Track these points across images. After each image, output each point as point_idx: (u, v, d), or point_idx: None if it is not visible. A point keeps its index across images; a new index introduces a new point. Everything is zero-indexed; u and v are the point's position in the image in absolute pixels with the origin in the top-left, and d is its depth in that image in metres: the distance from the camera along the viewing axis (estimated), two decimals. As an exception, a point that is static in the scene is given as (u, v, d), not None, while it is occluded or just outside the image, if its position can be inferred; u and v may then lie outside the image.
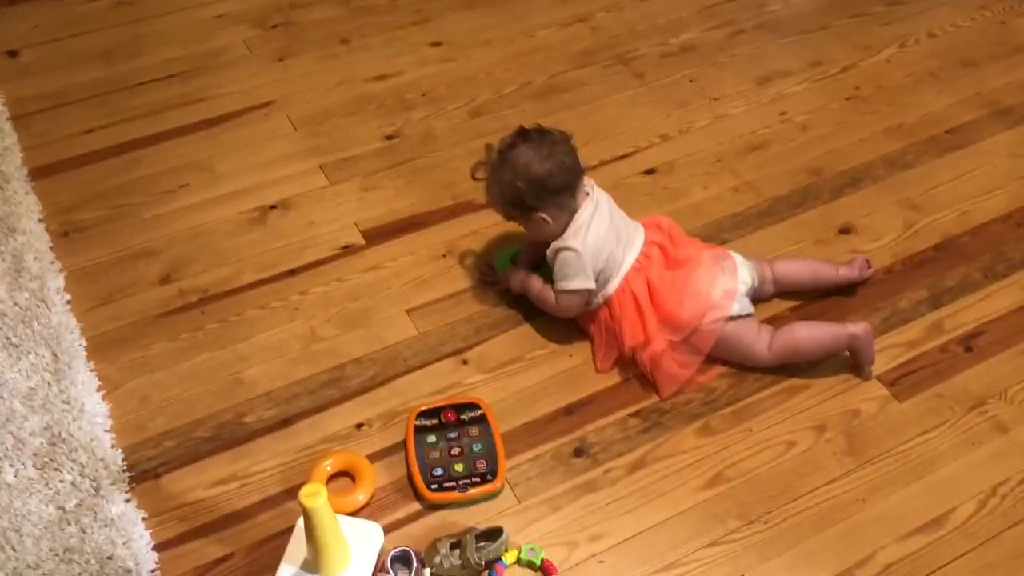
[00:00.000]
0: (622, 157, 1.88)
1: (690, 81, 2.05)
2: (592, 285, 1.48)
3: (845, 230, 1.75)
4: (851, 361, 1.52)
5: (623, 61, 2.09)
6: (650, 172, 1.85)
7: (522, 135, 1.49)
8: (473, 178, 1.53)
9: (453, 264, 1.67)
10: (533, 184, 1.45)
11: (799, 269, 1.61)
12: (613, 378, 1.50)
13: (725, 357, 1.51)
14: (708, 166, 1.86)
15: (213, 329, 1.56)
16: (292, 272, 1.65)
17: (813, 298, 1.62)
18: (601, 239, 1.48)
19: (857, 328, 1.47)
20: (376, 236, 1.72)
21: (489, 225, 1.73)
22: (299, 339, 1.55)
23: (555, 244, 1.49)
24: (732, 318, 1.47)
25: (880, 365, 1.53)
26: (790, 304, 1.61)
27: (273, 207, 1.76)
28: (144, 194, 1.77)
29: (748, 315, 1.50)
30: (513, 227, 1.69)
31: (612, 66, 2.08)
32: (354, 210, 1.76)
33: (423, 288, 1.64)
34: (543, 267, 1.56)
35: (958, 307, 1.62)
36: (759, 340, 1.49)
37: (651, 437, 1.44)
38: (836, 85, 2.06)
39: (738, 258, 1.55)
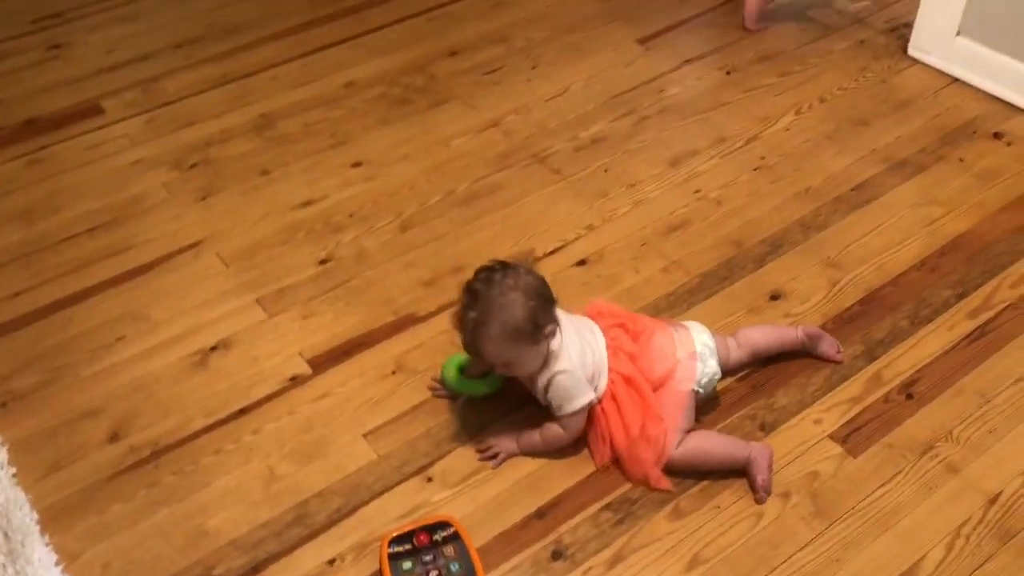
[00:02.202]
0: (553, 252, 1.93)
1: (605, 171, 2.13)
2: (594, 395, 1.48)
3: (775, 296, 1.81)
4: (802, 423, 1.57)
5: (539, 159, 2.16)
6: (582, 263, 1.90)
7: (489, 269, 1.45)
8: (460, 327, 1.44)
9: (403, 381, 1.68)
10: (541, 297, 1.43)
11: (757, 329, 1.67)
12: (578, 474, 1.52)
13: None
14: (635, 250, 1.92)
15: (169, 482, 1.53)
16: (242, 411, 1.63)
17: (756, 366, 1.67)
18: (579, 347, 1.48)
19: (753, 450, 1.48)
20: (322, 363, 1.72)
21: (434, 335, 1.75)
22: (258, 480, 1.53)
23: (544, 375, 1.46)
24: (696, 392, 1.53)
25: (829, 423, 1.59)
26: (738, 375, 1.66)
27: (214, 348, 1.75)
28: (80, 352, 1.74)
29: (713, 387, 1.57)
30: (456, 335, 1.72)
31: (529, 165, 2.15)
32: (297, 340, 1.76)
33: (377, 409, 1.63)
34: (490, 375, 1.58)
35: (892, 357, 1.69)
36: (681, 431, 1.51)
37: (625, 528, 1.45)
38: (743, 158, 2.16)
39: (694, 324, 1.61)
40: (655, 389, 1.52)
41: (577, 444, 1.54)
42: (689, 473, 1.50)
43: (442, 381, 1.64)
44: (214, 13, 2.68)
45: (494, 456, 1.53)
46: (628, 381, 1.50)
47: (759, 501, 1.47)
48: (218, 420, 1.62)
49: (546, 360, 1.46)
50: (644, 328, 1.56)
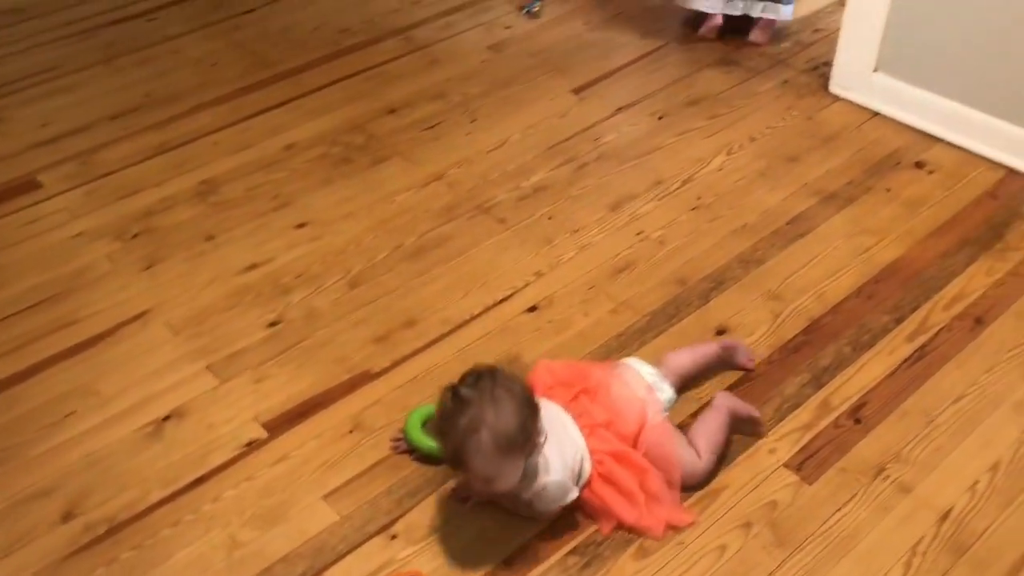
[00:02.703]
0: (503, 300, 1.95)
1: (549, 218, 2.17)
2: (577, 491, 1.47)
3: (721, 331, 1.86)
4: (757, 454, 1.61)
5: (484, 210, 2.20)
6: (532, 309, 1.93)
7: (476, 374, 1.39)
8: (443, 435, 1.39)
9: (362, 439, 1.67)
10: (531, 405, 1.39)
11: (681, 353, 1.72)
12: (543, 524, 1.52)
13: (667, 476, 1.53)
14: (584, 294, 1.96)
15: (128, 558, 1.50)
16: (200, 480, 1.61)
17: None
18: (559, 450, 1.44)
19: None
20: (278, 426, 1.71)
21: (390, 391, 1.76)
22: (220, 549, 1.51)
23: (529, 490, 1.43)
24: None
25: (783, 452, 1.62)
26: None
27: (167, 418, 1.72)
28: (29, 431, 1.71)
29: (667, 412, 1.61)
30: (415, 391, 1.73)
31: (475, 216, 2.18)
32: (251, 404, 1.75)
33: (336, 470, 1.63)
34: None
35: (839, 383, 1.74)
36: (688, 447, 1.55)
37: (592, 571, 1.46)
38: (680, 198, 2.22)
39: (631, 360, 1.66)
40: (636, 435, 1.53)
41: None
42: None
43: (404, 435, 1.64)
44: (151, 82, 2.68)
45: (408, 451, 1.58)
46: (617, 458, 1.49)
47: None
48: (175, 491, 1.60)
49: (527, 473, 1.41)
50: (598, 382, 1.58)
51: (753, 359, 1.76)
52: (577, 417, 1.52)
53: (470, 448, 1.34)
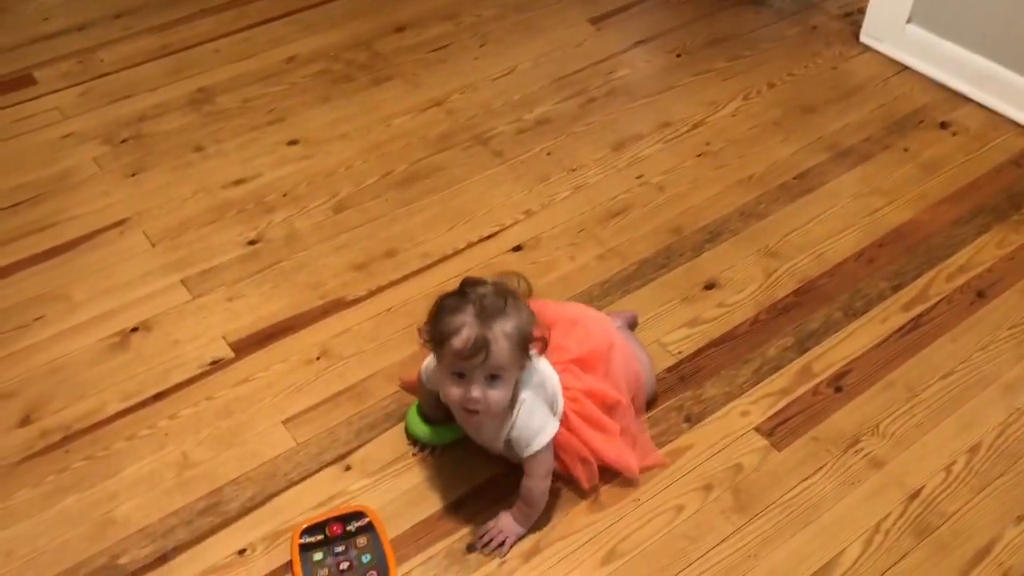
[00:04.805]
0: (488, 237, 1.89)
1: (548, 154, 2.09)
2: (557, 423, 1.37)
3: (709, 286, 1.79)
4: (729, 415, 1.56)
5: (481, 141, 2.12)
6: (517, 249, 1.87)
7: (482, 281, 1.30)
8: (457, 314, 1.25)
9: (328, 366, 1.64)
10: (534, 321, 1.31)
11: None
12: (499, 466, 1.48)
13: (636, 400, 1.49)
14: (572, 237, 1.89)
15: (80, 468, 1.49)
16: (159, 396, 1.59)
17: (688, 357, 1.65)
18: (537, 375, 1.36)
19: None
20: (245, 347, 1.68)
21: (362, 321, 1.72)
22: (171, 467, 1.49)
23: (513, 412, 1.33)
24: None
25: (756, 416, 1.57)
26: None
27: (135, 329, 1.70)
28: (-5, 332, 1.70)
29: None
30: (387, 323, 1.69)
31: (471, 147, 2.10)
32: (220, 322, 1.72)
33: (298, 395, 1.60)
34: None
35: (824, 348, 1.68)
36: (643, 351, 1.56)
37: (543, 520, 1.42)
38: (687, 143, 2.13)
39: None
40: (607, 355, 1.44)
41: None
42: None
43: (412, 438, 1.52)
44: (157, -18, 2.61)
45: (501, 544, 1.38)
46: (590, 395, 1.41)
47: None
48: (134, 404, 1.58)
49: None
50: (563, 313, 1.49)
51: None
52: (549, 354, 1.43)
53: (496, 329, 1.23)
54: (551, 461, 1.37)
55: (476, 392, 1.26)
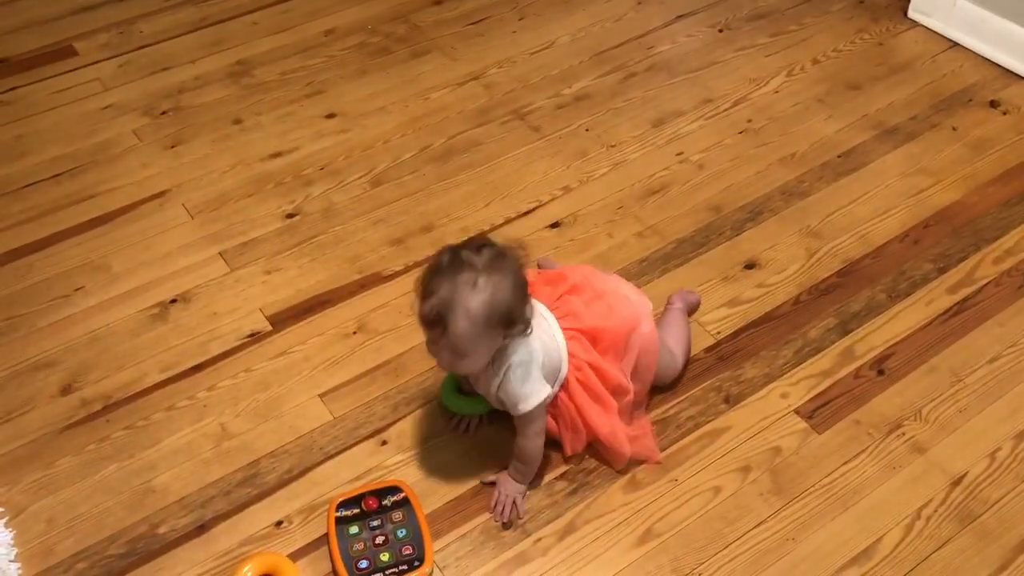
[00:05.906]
0: (526, 213, 1.88)
1: (587, 130, 2.07)
2: (550, 389, 1.35)
3: (750, 265, 1.77)
4: (769, 396, 1.54)
5: (519, 116, 2.10)
6: (555, 226, 1.85)
7: (480, 242, 1.29)
8: (425, 289, 1.26)
9: (364, 341, 1.64)
10: (525, 293, 1.29)
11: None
12: (535, 442, 1.48)
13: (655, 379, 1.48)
14: (611, 214, 1.87)
15: (119, 437, 1.51)
16: (198, 368, 1.60)
17: (726, 338, 1.63)
18: (539, 342, 1.35)
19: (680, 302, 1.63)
20: (283, 320, 1.68)
21: (398, 296, 1.71)
22: (209, 438, 1.50)
23: (496, 378, 1.33)
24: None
25: (796, 398, 1.55)
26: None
27: (174, 301, 1.71)
28: (38, 302, 1.71)
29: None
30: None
31: (509, 122, 2.09)
32: (258, 295, 1.72)
33: (335, 369, 1.60)
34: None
35: (867, 331, 1.65)
36: (668, 351, 1.52)
37: (579, 499, 1.42)
38: (729, 120, 2.09)
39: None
40: (626, 338, 1.42)
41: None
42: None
43: (453, 415, 1.51)
44: (196, -46, 2.60)
45: (514, 507, 1.39)
46: (596, 369, 1.40)
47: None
48: (173, 375, 1.59)
49: (496, 358, 1.32)
50: (584, 279, 1.45)
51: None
52: (561, 318, 1.41)
53: (458, 307, 1.22)
54: (542, 422, 1.38)
55: (441, 361, 1.32)
